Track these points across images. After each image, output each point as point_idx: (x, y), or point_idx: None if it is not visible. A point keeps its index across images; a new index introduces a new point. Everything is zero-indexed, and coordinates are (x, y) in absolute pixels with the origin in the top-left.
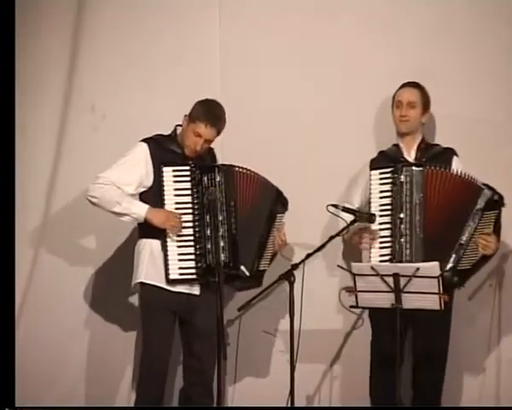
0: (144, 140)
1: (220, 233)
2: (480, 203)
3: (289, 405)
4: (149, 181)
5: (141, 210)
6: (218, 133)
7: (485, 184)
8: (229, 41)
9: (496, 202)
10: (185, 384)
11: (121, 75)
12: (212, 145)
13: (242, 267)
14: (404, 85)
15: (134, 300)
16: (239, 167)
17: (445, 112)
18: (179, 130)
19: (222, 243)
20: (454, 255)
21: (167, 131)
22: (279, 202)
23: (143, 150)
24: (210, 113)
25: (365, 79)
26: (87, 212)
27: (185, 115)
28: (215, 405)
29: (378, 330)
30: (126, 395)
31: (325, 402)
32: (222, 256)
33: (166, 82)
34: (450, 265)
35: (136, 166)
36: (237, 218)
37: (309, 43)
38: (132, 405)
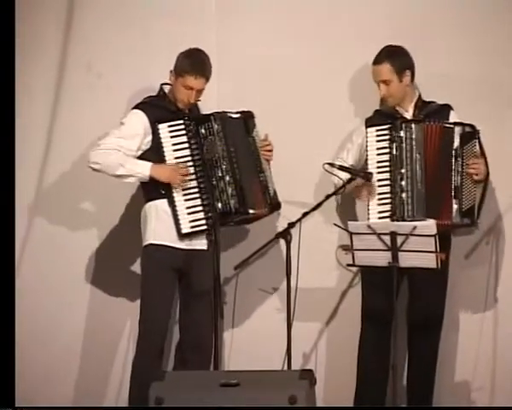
0: (137, 107)
1: (227, 180)
2: (456, 141)
3: (286, 363)
4: (148, 144)
5: (145, 169)
6: (207, 80)
7: (455, 123)
8: None
9: (470, 134)
10: (181, 341)
11: (118, 35)
12: (209, 99)
13: (251, 211)
14: (373, 63)
15: (134, 268)
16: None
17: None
18: (166, 88)
19: (230, 190)
20: (454, 200)
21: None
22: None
23: (140, 117)
24: (196, 63)
25: (365, 39)
26: (84, 176)
27: (171, 71)
28: (211, 364)
29: (370, 286)
30: (115, 394)
31: (322, 360)
32: (232, 202)
33: (163, 42)
34: (454, 211)
35: (136, 135)
36: (238, 164)
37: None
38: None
